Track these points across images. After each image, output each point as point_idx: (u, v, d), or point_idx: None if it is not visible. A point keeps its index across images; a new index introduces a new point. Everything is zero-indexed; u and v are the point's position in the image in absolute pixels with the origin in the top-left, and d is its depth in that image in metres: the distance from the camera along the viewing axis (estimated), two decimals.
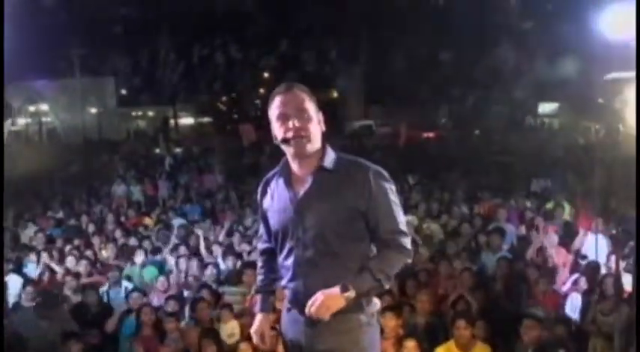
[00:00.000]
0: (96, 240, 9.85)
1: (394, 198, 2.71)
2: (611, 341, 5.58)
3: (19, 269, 8.52)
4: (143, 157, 22.54)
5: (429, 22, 28.00)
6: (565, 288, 7.08)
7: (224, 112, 42.14)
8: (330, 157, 2.71)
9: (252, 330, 2.95)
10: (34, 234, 10.21)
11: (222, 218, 11.30)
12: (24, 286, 7.55)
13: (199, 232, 9.46)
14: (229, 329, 6.42)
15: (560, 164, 14.90)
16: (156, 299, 7.45)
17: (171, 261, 8.57)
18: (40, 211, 12.85)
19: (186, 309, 6.97)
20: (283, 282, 2.80)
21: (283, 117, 2.65)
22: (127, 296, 7.34)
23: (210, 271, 7.86)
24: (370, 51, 32.44)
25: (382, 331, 3.47)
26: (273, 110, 2.69)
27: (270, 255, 2.95)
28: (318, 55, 34.03)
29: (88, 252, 9.16)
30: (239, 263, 8.13)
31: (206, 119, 42.41)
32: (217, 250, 8.84)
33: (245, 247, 8.94)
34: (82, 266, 8.41)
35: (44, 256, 8.73)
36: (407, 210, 9.32)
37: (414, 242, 5.74)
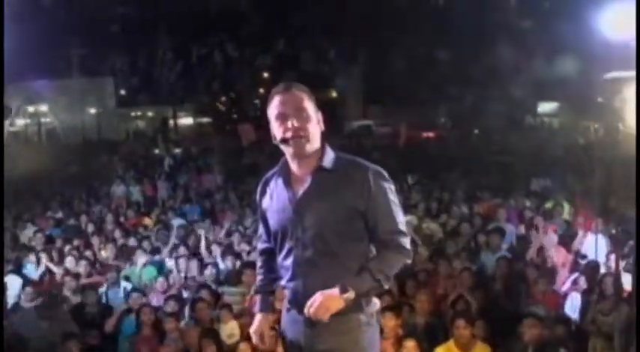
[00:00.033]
0: (95, 241, 9.85)
1: (393, 197, 2.70)
2: (611, 341, 5.58)
3: (18, 270, 8.52)
4: (142, 157, 22.54)
5: (428, 21, 27.99)
6: (565, 288, 7.09)
7: (223, 112, 42.09)
8: (330, 157, 2.71)
9: (252, 330, 2.94)
10: (34, 235, 10.19)
11: (221, 218, 11.30)
12: (23, 286, 7.55)
13: (201, 231, 9.46)
14: (229, 329, 6.42)
15: (559, 163, 14.92)
16: (155, 300, 7.44)
17: (170, 261, 8.57)
18: (39, 211, 12.84)
19: (186, 309, 6.97)
20: (282, 282, 2.80)
21: (282, 117, 2.64)
22: (126, 297, 7.34)
23: (209, 271, 7.86)
24: (369, 50, 32.41)
25: (382, 331, 3.46)
26: (272, 110, 2.68)
27: (269, 254, 2.94)
28: (317, 54, 34.03)
29: (88, 253, 9.16)
30: (238, 263, 8.13)
31: (205, 119, 42.39)
32: (217, 250, 8.83)
33: (244, 247, 8.94)
34: (82, 267, 8.41)
35: (43, 256, 8.73)
36: (406, 209, 9.31)
37: (413, 242, 5.75)
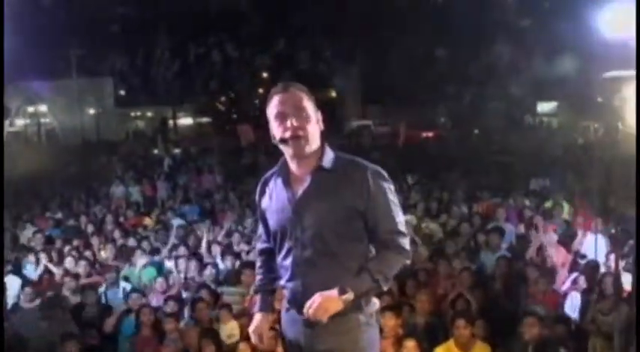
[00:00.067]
0: (95, 241, 9.84)
1: (393, 197, 2.70)
2: (611, 341, 5.57)
3: (18, 270, 8.51)
4: (142, 158, 22.51)
5: (428, 21, 28.01)
6: (564, 287, 7.08)
7: (222, 112, 42.12)
8: (329, 157, 2.70)
9: (251, 330, 2.93)
10: (33, 235, 10.17)
11: (221, 218, 11.29)
12: (23, 287, 7.54)
13: (202, 231, 9.45)
14: (228, 329, 6.41)
15: (559, 163, 14.93)
16: (155, 300, 7.44)
17: (169, 261, 8.56)
18: (38, 212, 12.84)
19: (186, 310, 6.96)
20: (282, 282, 2.79)
21: (281, 117, 2.63)
22: (126, 297, 7.33)
23: (209, 271, 7.85)
24: (369, 50, 32.43)
25: (381, 331, 3.45)
26: (271, 109, 2.67)
27: (268, 254, 2.94)
28: (316, 54, 34.04)
29: (87, 253, 9.15)
30: (238, 263, 8.12)
31: (204, 119, 42.43)
32: (216, 250, 8.83)
33: (244, 247, 8.93)
34: (81, 267, 8.40)
35: (43, 257, 8.72)
36: (406, 209, 9.31)
37: (413, 241, 5.75)
